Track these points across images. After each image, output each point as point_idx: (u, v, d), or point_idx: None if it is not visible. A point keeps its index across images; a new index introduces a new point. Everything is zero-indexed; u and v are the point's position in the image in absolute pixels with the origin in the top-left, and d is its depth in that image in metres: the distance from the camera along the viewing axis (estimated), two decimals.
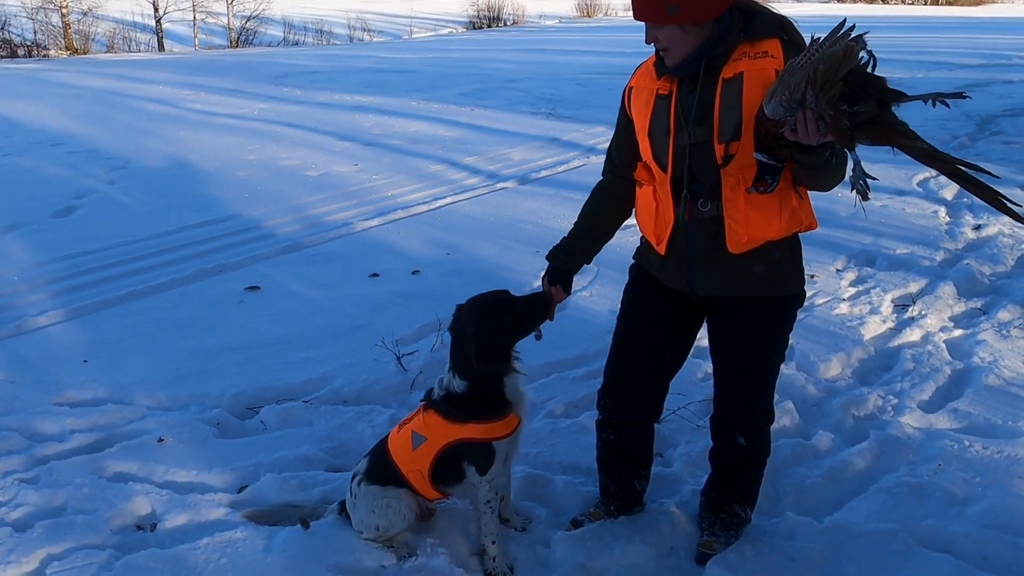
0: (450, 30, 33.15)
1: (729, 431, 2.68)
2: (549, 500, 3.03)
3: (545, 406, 3.64)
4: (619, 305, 2.75)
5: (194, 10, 28.50)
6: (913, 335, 4.26)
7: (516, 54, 19.79)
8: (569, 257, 2.75)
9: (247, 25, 29.01)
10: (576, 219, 2.77)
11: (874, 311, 4.50)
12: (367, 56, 20.38)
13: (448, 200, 7.02)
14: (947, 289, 4.77)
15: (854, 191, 1.95)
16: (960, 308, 4.62)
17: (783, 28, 2.30)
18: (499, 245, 5.75)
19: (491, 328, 2.52)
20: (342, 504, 2.82)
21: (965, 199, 6.47)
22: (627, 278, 2.74)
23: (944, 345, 4.15)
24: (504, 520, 2.83)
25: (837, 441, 3.35)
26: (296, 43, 28.13)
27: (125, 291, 5.01)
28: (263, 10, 28.96)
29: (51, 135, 9.90)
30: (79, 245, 5.87)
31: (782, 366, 3.80)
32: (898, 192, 6.76)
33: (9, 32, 25.58)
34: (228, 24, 29.00)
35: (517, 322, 2.56)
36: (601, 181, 2.74)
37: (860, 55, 1.86)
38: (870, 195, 1.92)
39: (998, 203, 1.84)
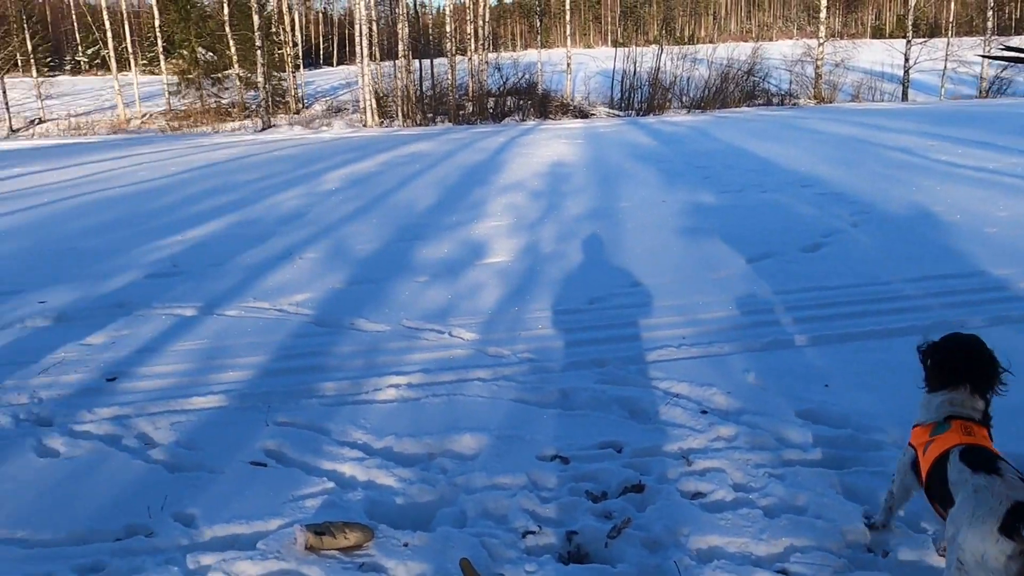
0: None
1: None
2: None
3: None
4: None
5: (945, 60, 27.92)
6: None
7: None
8: None
9: (1001, 74, 27.26)
10: None
11: None
12: None
13: None
14: None
15: None
16: None
17: None
18: None
19: None
20: None
21: None
22: None
23: None
24: None
25: None
26: None
27: (863, 329, 5.26)
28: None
29: (800, 176, 10.82)
30: (821, 280, 6.34)
31: None
32: None
33: (768, 83, 28.70)
34: (980, 74, 27.63)
35: None
36: None
37: None
38: None
39: None
